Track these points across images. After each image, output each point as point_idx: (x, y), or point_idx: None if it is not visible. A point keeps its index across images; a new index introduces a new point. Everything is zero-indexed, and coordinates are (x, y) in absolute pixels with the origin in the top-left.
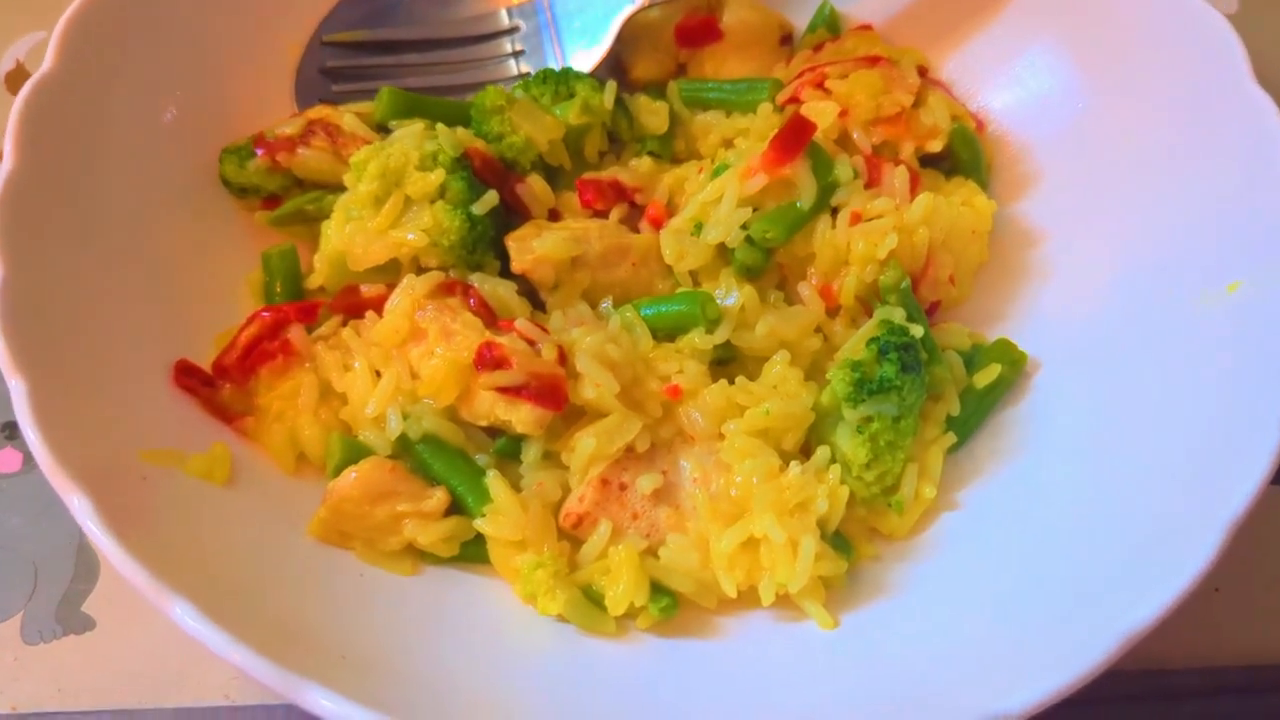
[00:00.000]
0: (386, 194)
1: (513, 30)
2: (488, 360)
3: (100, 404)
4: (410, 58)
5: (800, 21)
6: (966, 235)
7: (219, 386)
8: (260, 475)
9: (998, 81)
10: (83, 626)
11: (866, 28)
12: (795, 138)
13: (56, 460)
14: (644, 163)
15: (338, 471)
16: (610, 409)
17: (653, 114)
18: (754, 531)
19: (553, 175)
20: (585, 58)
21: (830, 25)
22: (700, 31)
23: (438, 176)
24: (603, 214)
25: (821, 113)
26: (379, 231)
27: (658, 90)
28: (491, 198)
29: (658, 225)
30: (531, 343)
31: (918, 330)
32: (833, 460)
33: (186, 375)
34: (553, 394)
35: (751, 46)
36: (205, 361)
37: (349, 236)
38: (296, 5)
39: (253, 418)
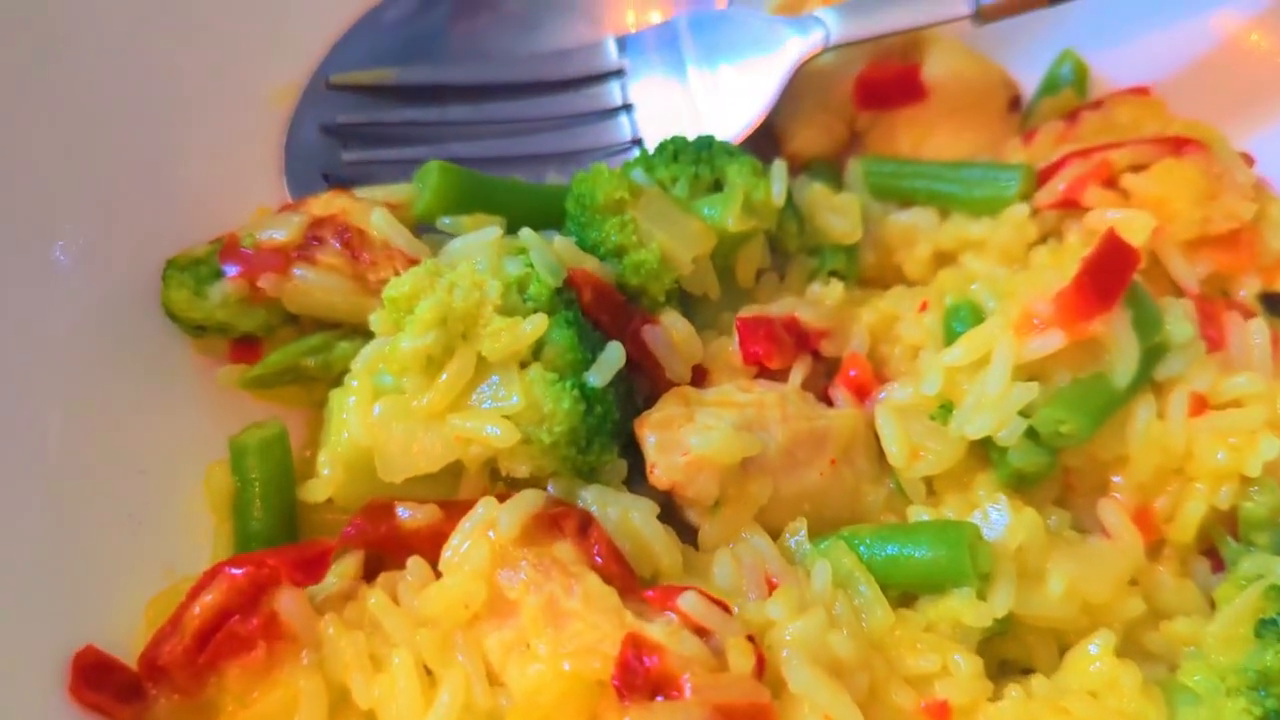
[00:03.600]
0: (447, 352)
1: (618, 73)
2: (638, 676)
3: None
4: (460, 112)
5: (1027, 77)
6: None
7: (149, 698)
8: None
9: None
10: None
11: (1143, 91)
12: (1111, 274)
13: None
14: (831, 291)
15: None
16: None
17: (836, 212)
18: None
19: (690, 309)
20: (732, 118)
21: (1077, 85)
22: (894, 87)
23: (536, 325)
24: (777, 375)
25: (1133, 231)
26: (434, 416)
27: (828, 173)
28: (617, 353)
29: (864, 395)
30: (706, 634)
31: None
32: None
33: (92, 680)
34: None
35: (968, 111)
36: (126, 652)
37: (381, 423)
38: (287, 27)
39: None
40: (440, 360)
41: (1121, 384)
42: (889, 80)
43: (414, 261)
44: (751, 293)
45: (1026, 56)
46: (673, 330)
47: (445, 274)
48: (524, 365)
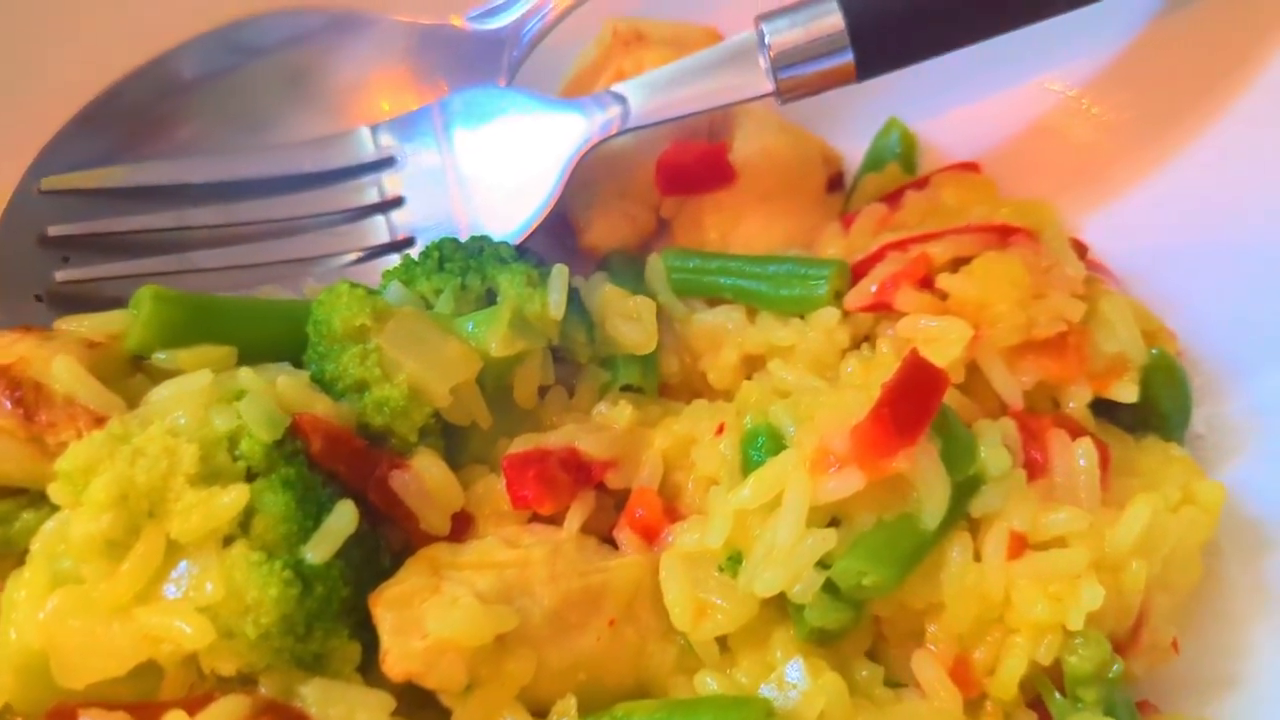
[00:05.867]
0: (131, 533)
1: (383, 163)
2: None
3: None
4: (203, 214)
5: (851, 148)
6: (1189, 555)
7: None
8: None
9: (1179, 254)
10: None
11: (971, 166)
12: (913, 403)
13: None
14: (619, 413)
15: None
16: None
17: (630, 319)
18: None
19: (458, 442)
20: (510, 215)
21: (904, 159)
22: (699, 169)
23: (235, 498)
24: (552, 519)
25: (946, 343)
26: (118, 610)
27: (628, 269)
28: (344, 519)
29: (652, 537)
30: None
31: None
32: None
33: None
34: None
35: (781, 194)
36: None
37: (57, 619)
38: None
39: None
40: (124, 543)
41: (931, 525)
42: (693, 162)
43: (101, 420)
44: (535, 413)
45: (853, 126)
46: (426, 475)
47: (133, 438)
48: (229, 541)
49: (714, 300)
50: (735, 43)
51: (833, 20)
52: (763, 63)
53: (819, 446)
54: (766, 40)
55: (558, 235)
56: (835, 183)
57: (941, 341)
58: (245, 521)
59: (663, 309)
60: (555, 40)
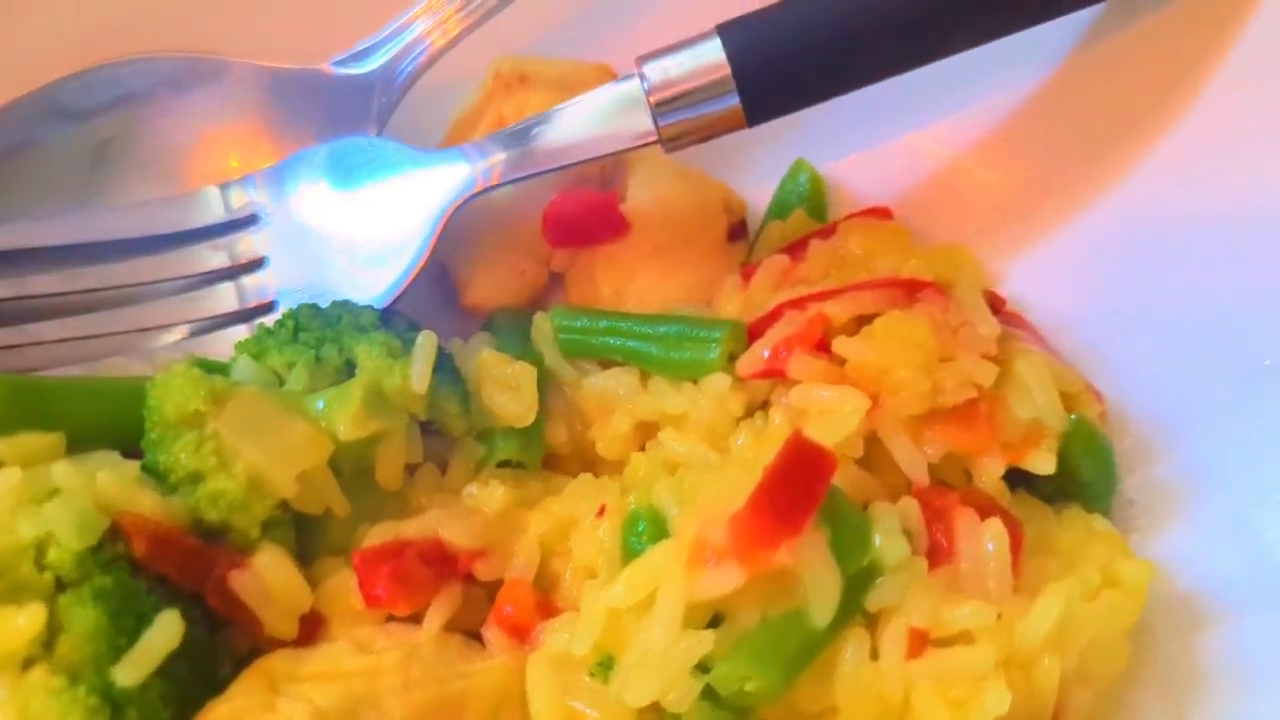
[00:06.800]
0: None
1: (242, 222)
2: None
3: None
4: (44, 282)
5: (759, 193)
6: (1112, 643)
7: None
8: None
9: (1106, 302)
10: None
11: (882, 212)
12: (796, 490)
13: None
14: (490, 495)
15: None
16: None
17: (508, 388)
18: None
19: (313, 532)
20: (378, 275)
21: (813, 205)
22: (589, 220)
23: (31, 618)
24: (414, 617)
25: (841, 416)
26: None
27: (516, 329)
28: (165, 633)
29: (523, 637)
30: None
31: None
32: None
33: None
34: None
35: (678, 245)
36: None
37: None
38: None
39: None
40: None
41: (821, 623)
42: (581, 213)
43: None
44: (404, 494)
45: (760, 169)
46: (268, 575)
47: None
48: (30, 664)
49: (607, 362)
50: (619, 86)
51: (716, 61)
52: (646, 108)
53: (697, 537)
54: (647, 84)
55: (446, 293)
56: (737, 231)
57: (836, 414)
58: (51, 640)
59: (550, 373)
60: (439, 81)
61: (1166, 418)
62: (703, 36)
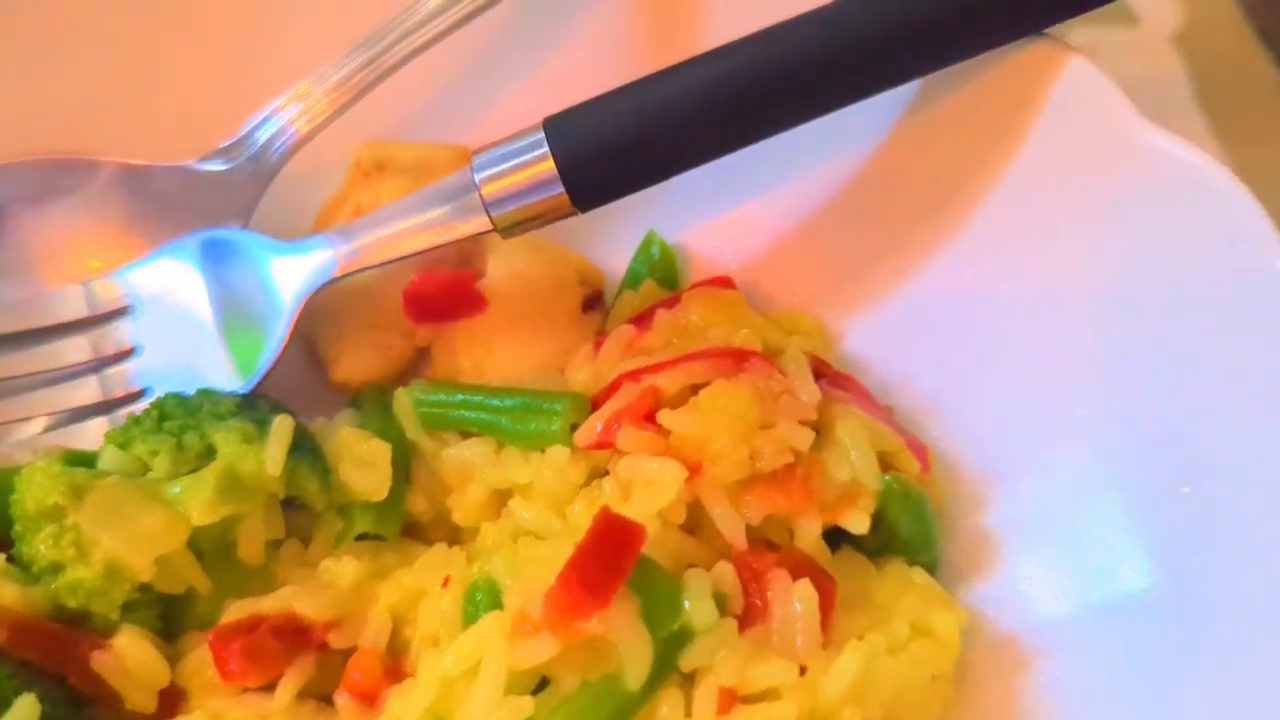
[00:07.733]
0: None
1: (114, 315)
2: None
3: None
4: None
5: (619, 264)
6: (923, 690)
7: None
8: None
9: (941, 357)
10: None
11: (723, 281)
12: (605, 563)
13: None
14: (342, 569)
15: None
16: None
17: (363, 464)
18: None
19: (180, 608)
20: (239, 364)
21: (664, 275)
22: (447, 299)
23: None
24: (271, 687)
25: (661, 487)
26: None
27: (378, 404)
28: (28, 714)
29: (371, 703)
30: None
31: None
32: None
33: None
34: None
35: (535, 318)
36: None
37: None
38: None
39: None
40: None
41: (634, 685)
42: (439, 292)
43: None
44: (269, 567)
45: (618, 240)
46: (127, 655)
47: None
48: None
49: (465, 432)
50: (457, 178)
51: (540, 154)
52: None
53: (519, 609)
54: (476, 179)
55: (318, 371)
56: (593, 302)
57: (658, 485)
58: None
59: (413, 445)
60: (314, 167)
61: (996, 467)
62: (529, 130)
